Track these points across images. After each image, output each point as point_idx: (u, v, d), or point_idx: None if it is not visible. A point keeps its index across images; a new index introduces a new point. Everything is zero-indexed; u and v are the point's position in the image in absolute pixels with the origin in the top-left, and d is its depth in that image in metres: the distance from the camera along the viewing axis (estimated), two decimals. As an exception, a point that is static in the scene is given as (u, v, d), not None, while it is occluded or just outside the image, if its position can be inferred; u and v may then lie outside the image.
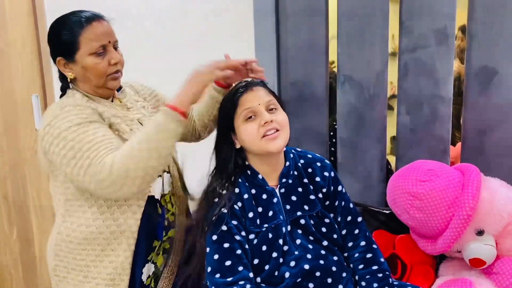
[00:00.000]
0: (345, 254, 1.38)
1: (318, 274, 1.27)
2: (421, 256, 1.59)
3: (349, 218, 1.39)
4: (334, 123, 1.99)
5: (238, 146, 1.31)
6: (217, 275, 1.22)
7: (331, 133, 1.97)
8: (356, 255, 1.37)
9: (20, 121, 2.15)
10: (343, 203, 1.39)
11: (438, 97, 1.70)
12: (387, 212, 1.76)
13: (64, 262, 1.35)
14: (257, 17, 1.84)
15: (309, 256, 1.28)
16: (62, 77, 1.37)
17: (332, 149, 1.98)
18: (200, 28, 2.01)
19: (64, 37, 1.28)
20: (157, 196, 1.38)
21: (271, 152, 1.27)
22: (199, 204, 1.35)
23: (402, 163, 1.78)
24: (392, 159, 1.93)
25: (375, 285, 1.30)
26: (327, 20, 1.80)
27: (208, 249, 1.26)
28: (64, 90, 1.38)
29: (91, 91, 1.34)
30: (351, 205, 1.41)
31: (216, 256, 1.24)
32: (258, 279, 1.26)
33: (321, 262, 1.29)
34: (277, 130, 1.26)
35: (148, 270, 1.39)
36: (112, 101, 1.39)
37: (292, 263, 1.27)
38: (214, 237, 1.25)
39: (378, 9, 1.71)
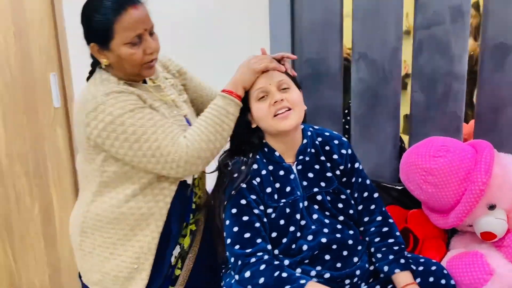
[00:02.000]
0: (361, 229, 1.42)
1: (334, 247, 1.32)
2: (432, 230, 1.63)
3: (365, 194, 1.43)
4: (349, 101, 2.01)
5: (253, 126, 1.35)
6: (237, 247, 1.27)
7: (346, 111, 2.00)
8: (372, 229, 1.41)
9: (38, 99, 2.19)
10: (359, 179, 1.42)
11: (453, 75, 1.71)
12: (400, 188, 1.79)
13: (91, 238, 1.37)
14: (272, -6, 1.85)
15: (325, 230, 1.33)
16: (94, 58, 1.33)
17: (346, 126, 2.01)
18: (214, 5, 2.02)
19: (97, 24, 1.22)
20: (189, 181, 1.42)
21: (283, 130, 1.30)
22: (217, 180, 1.39)
23: (416, 141, 1.80)
24: (405, 138, 1.96)
25: (391, 256, 1.35)
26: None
27: (227, 222, 1.31)
28: (94, 66, 1.36)
29: (125, 77, 1.30)
30: (368, 182, 1.44)
31: (235, 229, 1.28)
32: (276, 251, 1.31)
33: (338, 235, 1.33)
34: (289, 109, 1.29)
35: (176, 251, 1.43)
36: (145, 82, 1.37)
37: (310, 237, 1.31)
38: (234, 210, 1.30)
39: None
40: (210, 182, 1.56)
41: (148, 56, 1.27)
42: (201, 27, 2.02)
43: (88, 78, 1.37)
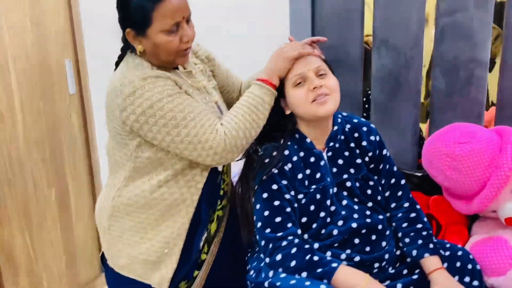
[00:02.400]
0: (388, 214, 1.43)
1: (364, 231, 1.34)
2: (454, 216, 1.65)
3: (392, 181, 1.44)
4: (368, 89, 2.02)
5: (288, 112, 1.35)
6: (267, 230, 1.28)
7: (364, 99, 2.00)
8: (400, 214, 1.42)
9: (55, 85, 2.19)
10: (387, 166, 1.44)
11: (476, 61, 1.71)
12: (419, 174, 1.80)
13: (120, 222, 1.37)
14: (293, -21, 1.83)
15: (355, 215, 1.34)
16: (126, 41, 1.30)
17: (364, 114, 2.01)
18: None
19: (135, 9, 1.21)
20: (220, 168, 1.42)
21: (321, 116, 1.31)
22: (245, 165, 1.40)
23: (436, 128, 1.80)
24: (422, 126, 1.97)
25: (420, 241, 1.36)
26: (363, -17, 1.79)
27: (258, 206, 1.32)
28: (124, 50, 1.34)
29: (157, 63, 1.29)
30: (395, 168, 1.46)
31: (266, 213, 1.29)
32: (306, 236, 1.32)
33: (367, 220, 1.35)
34: (327, 95, 1.29)
35: (203, 236, 1.43)
36: (176, 68, 1.36)
37: (340, 222, 1.33)
38: (265, 195, 1.31)
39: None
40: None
41: (184, 44, 1.26)
42: (220, 15, 2.01)
43: (117, 63, 1.36)
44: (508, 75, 1.70)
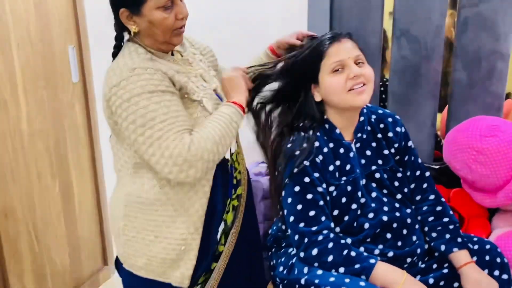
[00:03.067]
0: (413, 207, 1.42)
1: (395, 225, 1.32)
2: (476, 209, 1.65)
3: (418, 173, 1.42)
4: (384, 79, 1.99)
5: (318, 99, 1.31)
6: (301, 224, 1.25)
7: (381, 88, 1.97)
8: (425, 208, 1.41)
9: (58, 73, 2.10)
10: (412, 158, 1.42)
11: (498, 53, 1.69)
12: (437, 167, 1.80)
13: (134, 222, 1.33)
14: (311, -32, 1.79)
15: (385, 208, 1.32)
16: (119, 27, 1.29)
17: (381, 104, 1.99)
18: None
19: None
20: (227, 156, 1.38)
21: (357, 106, 1.28)
22: (273, 156, 1.36)
23: (455, 119, 1.80)
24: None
25: (447, 235, 1.35)
26: (384, -29, 1.76)
27: (289, 199, 1.28)
28: (118, 40, 1.31)
29: (154, 46, 1.27)
30: (419, 160, 1.44)
31: (299, 206, 1.26)
32: (337, 229, 1.30)
33: (397, 214, 1.33)
34: (364, 84, 1.26)
35: (221, 228, 1.39)
36: (172, 54, 1.33)
37: (371, 215, 1.30)
38: (297, 188, 1.27)
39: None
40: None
41: (179, 22, 1.24)
42: (237, 5, 1.95)
43: (113, 54, 1.32)
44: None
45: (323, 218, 1.25)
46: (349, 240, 1.28)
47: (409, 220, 1.34)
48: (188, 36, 1.47)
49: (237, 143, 1.45)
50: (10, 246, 1.91)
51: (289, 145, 1.31)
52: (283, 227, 1.39)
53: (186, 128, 1.21)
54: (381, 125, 1.40)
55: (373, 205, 1.32)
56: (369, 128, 1.38)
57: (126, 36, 1.32)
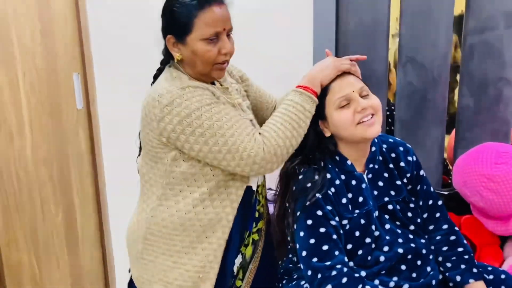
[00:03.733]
0: (426, 237, 1.39)
1: (409, 257, 1.30)
2: (487, 236, 1.63)
3: (430, 202, 1.40)
4: (391, 105, 1.99)
5: (328, 134, 1.30)
6: (314, 259, 1.23)
7: (387, 113, 1.97)
8: (439, 237, 1.39)
9: (62, 101, 2.10)
10: (425, 187, 1.40)
11: (504, 80, 1.70)
12: (446, 193, 1.78)
13: (154, 246, 1.31)
14: (317, -4, 1.80)
15: (400, 240, 1.30)
16: (167, 53, 1.30)
17: (387, 128, 1.98)
18: (257, 7, 1.96)
19: (179, 15, 1.21)
20: (254, 187, 1.37)
21: (369, 138, 1.27)
22: (282, 189, 1.34)
23: (463, 146, 1.79)
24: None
25: (463, 266, 1.33)
26: (389, -1, 1.77)
27: (302, 233, 1.26)
28: (163, 64, 1.33)
29: (195, 75, 1.27)
30: (432, 189, 1.42)
31: (312, 241, 1.24)
32: (351, 263, 1.27)
33: (412, 245, 1.31)
34: (373, 115, 1.26)
35: (238, 260, 1.37)
36: (213, 83, 1.33)
37: (386, 248, 1.28)
38: (309, 222, 1.25)
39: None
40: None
41: (222, 56, 1.24)
42: (244, 30, 1.95)
43: (155, 76, 1.34)
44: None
45: (336, 253, 1.23)
46: (363, 273, 1.26)
47: (424, 251, 1.32)
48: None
49: (264, 176, 1.43)
50: (12, 276, 1.88)
51: (300, 177, 1.29)
52: (295, 258, 1.37)
53: (253, 128, 1.24)
54: (393, 155, 1.39)
55: (387, 237, 1.30)
56: (380, 158, 1.36)
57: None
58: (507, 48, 1.67)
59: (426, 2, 1.71)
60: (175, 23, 1.22)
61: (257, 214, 1.39)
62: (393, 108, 1.94)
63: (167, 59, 1.31)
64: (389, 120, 1.97)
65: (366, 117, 1.25)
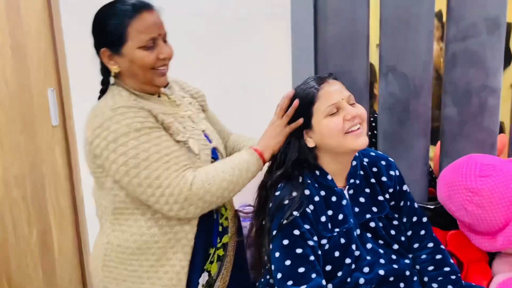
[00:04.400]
0: (410, 255, 1.33)
1: (391, 279, 1.22)
2: (475, 252, 1.56)
3: (414, 219, 1.34)
4: (376, 114, 1.93)
5: (312, 145, 1.23)
6: (290, 282, 1.15)
7: (373, 124, 1.92)
8: (424, 256, 1.32)
9: (36, 117, 2.03)
10: (408, 203, 1.34)
11: (488, 89, 1.64)
12: (432, 207, 1.71)
13: (114, 273, 1.26)
14: (295, 5, 1.75)
15: (382, 261, 1.23)
16: (104, 71, 1.27)
17: (373, 140, 1.92)
18: (234, 20, 1.91)
19: (111, 27, 1.18)
20: None
21: (357, 149, 1.21)
22: (259, 205, 1.28)
23: (448, 157, 1.73)
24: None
25: (449, 287, 1.26)
26: (368, 8, 1.72)
27: (277, 254, 1.19)
28: (104, 84, 1.29)
29: (138, 87, 1.24)
30: (416, 205, 1.36)
31: (288, 262, 1.16)
32: (330, 286, 1.20)
33: (394, 266, 1.24)
34: (360, 124, 1.21)
35: (202, 279, 1.32)
36: (159, 97, 1.30)
37: (366, 269, 1.21)
38: (286, 242, 1.18)
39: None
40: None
41: (160, 61, 1.21)
42: (221, 42, 1.91)
43: (98, 98, 1.29)
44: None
45: (313, 275, 1.15)
46: (342, 297, 1.18)
47: (407, 273, 1.25)
48: (179, 79, 1.45)
49: None
50: (-19, 304, 1.79)
51: (277, 193, 1.22)
52: (271, 280, 1.29)
53: (186, 164, 1.17)
54: (374, 169, 1.32)
55: (368, 257, 1.22)
56: (362, 172, 1.30)
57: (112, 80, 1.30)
58: (490, 56, 1.62)
59: (406, 11, 1.66)
60: (109, 35, 1.19)
61: (220, 229, 1.34)
62: (376, 115, 1.89)
63: (106, 78, 1.27)
64: (375, 131, 1.91)
65: (354, 126, 1.19)
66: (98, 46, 1.22)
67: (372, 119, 1.92)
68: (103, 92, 1.29)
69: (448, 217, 1.63)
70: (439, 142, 1.83)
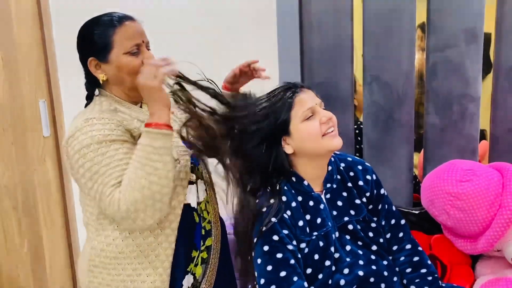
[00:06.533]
0: (390, 258, 1.36)
1: (372, 280, 1.25)
2: (458, 256, 1.59)
3: (393, 221, 1.37)
4: (359, 123, 1.98)
5: (291, 151, 1.27)
6: (273, 287, 1.18)
7: (356, 131, 1.96)
8: (402, 258, 1.35)
9: (28, 128, 2.05)
10: (386, 206, 1.37)
11: (468, 97, 1.69)
12: (417, 212, 1.75)
13: (99, 278, 1.29)
14: (280, 17, 1.80)
15: (361, 262, 1.26)
16: (90, 83, 1.32)
17: (357, 146, 1.96)
18: (221, 28, 1.96)
19: (97, 36, 1.24)
20: (193, 204, 1.34)
21: (334, 149, 1.26)
22: (240, 213, 1.30)
23: (431, 163, 1.77)
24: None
25: None
26: (352, 19, 1.77)
27: (259, 260, 1.22)
28: (89, 98, 1.34)
29: (124, 94, 1.29)
30: (394, 208, 1.39)
31: (269, 267, 1.19)
32: (312, 288, 1.23)
33: (374, 267, 1.26)
34: (333, 127, 1.26)
35: (187, 282, 1.34)
36: (141, 106, 1.34)
37: (346, 270, 1.24)
38: (266, 248, 1.21)
39: (405, 7, 1.69)
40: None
41: None
42: (206, 53, 1.95)
43: (86, 105, 1.34)
44: (500, 110, 1.70)
45: (295, 278, 1.18)
46: (324, 299, 1.21)
47: (385, 273, 1.28)
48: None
49: (207, 191, 1.41)
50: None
51: (255, 201, 1.26)
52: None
53: (118, 181, 1.17)
54: (351, 173, 1.36)
55: (348, 259, 1.25)
56: (338, 177, 1.33)
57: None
58: (469, 65, 1.67)
59: (388, 21, 1.71)
60: (95, 45, 1.24)
61: (203, 232, 1.36)
62: (361, 126, 1.93)
63: (92, 91, 1.32)
64: (359, 138, 1.95)
65: (330, 128, 1.25)
66: (85, 56, 1.27)
67: (355, 127, 1.96)
68: (87, 106, 1.34)
69: (432, 222, 1.66)
70: (423, 149, 1.87)
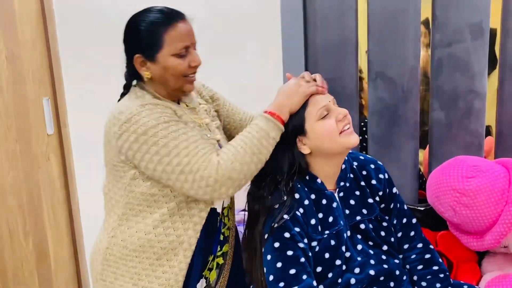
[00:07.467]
0: (400, 256, 1.36)
1: (382, 278, 1.25)
2: (464, 252, 1.59)
3: (404, 220, 1.37)
4: (366, 120, 1.97)
5: (307, 151, 1.25)
6: (281, 284, 1.18)
7: (364, 129, 1.95)
8: (413, 256, 1.35)
9: (32, 126, 2.05)
10: (398, 205, 1.37)
11: (474, 92, 1.69)
12: (422, 208, 1.75)
13: (113, 267, 1.28)
14: (285, 13, 1.79)
15: (372, 261, 1.26)
16: (130, 75, 1.29)
17: (363, 144, 1.95)
18: (226, 24, 1.95)
19: (146, 34, 1.21)
20: (219, 209, 1.33)
21: (351, 146, 1.24)
22: (253, 211, 1.30)
23: (436, 160, 1.77)
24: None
25: (438, 285, 1.29)
26: (356, 15, 1.77)
27: (269, 257, 1.21)
28: (127, 88, 1.31)
29: (164, 92, 1.27)
30: (405, 207, 1.39)
31: (279, 264, 1.19)
32: (321, 287, 1.22)
33: (385, 266, 1.26)
34: (349, 124, 1.25)
35: (201, 285, 1.34)
36: (178, 104, 1.33)
37: (357, 270, 1.24)
38: (277, 244, 1.21)
39: (410, 3, 1.69)
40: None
41: (191, 69, 1.25)
42: (212, 51, 1.94)
43: (119, 101, 1.31)
44: (506, 106, 1.69)
45: (304, 277, 1.18)
46: (333, 297, 1.21)
47: (397, 272, 1.28)
48: (197, 83, 1.42)
49: (231, 197, 1.40)
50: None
51: (268, 198, 1.25)
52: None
53: (211, 149, 1.20)
54: (364, 172, 1.35)
55: (359, 258, 1.25)
56: (351, 175, 1.33)
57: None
58: (474, 61, 1.66)
59: (393, 17, 1.70)
60: (143, 42, 1.21)
61: (222, 237, 1.36)
62: (362, 124, 1.92)
63: (130, 83, 1.30)
64: (365, 136, 1.94)
65: (346, 125, 1.24)
66: (131, 52, 1.24)
67: (362, 124, 1.96)
68: (123, 95, 1.32)
69: (438, 219, 1.66)
70: (428, 146, 1.87)
